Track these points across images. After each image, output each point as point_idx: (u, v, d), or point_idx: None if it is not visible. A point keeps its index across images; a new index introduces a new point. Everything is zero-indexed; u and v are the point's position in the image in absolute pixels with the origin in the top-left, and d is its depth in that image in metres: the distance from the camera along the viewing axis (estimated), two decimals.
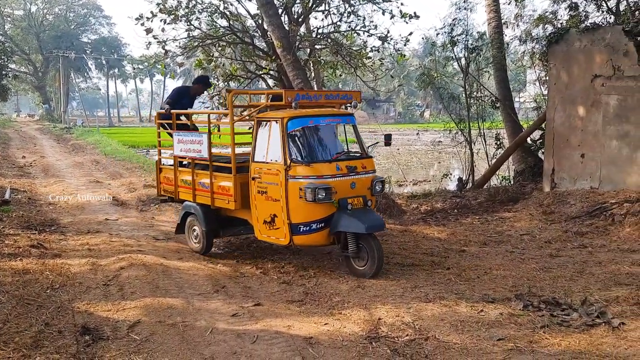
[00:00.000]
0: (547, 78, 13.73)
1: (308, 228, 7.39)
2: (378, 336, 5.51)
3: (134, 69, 64.18)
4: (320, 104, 8.35)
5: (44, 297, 6.32)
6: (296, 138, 7.60)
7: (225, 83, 13.75)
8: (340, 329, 5.71)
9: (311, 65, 14.55)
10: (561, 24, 15.02)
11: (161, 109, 9.89)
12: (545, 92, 14.58)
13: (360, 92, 8.65)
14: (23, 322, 5.57)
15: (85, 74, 78.48)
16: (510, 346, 5.18)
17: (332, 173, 7.44)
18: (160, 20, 13.52)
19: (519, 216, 12.01)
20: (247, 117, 8.68)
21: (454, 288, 7.07)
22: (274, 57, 12.96)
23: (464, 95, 15.28)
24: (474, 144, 15.53)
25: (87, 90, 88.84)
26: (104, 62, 78.40)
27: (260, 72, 14.04)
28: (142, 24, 13.16)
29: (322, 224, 7.43)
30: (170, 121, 9.39)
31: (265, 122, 7.83)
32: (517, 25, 17.67)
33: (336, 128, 8.29)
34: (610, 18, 14.21)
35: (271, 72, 13.72)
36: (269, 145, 7.67)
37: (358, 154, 8.08)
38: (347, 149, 8.19)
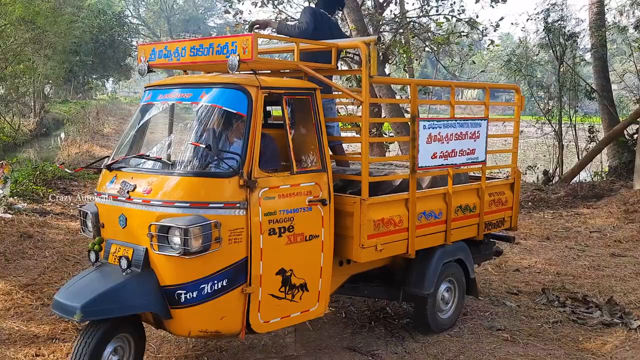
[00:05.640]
0: None
1: None
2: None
3: None
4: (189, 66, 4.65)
5: (84, 254, 6.88)
6: (141, 123, 4.54)
7: None
8: None
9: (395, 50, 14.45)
10: None
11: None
12: None
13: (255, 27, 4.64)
14: (56, 275, 6.13)
15: None
16: (505, 337, 5.06)
17: (103, 189, 4.24)
18: (252, 3, 14.00)
19: (596, 213, 11.37)
20: None
21: (485, 278, 6.89)
22: None
23: (555, 84, 14.57)
24: (563, 136, 14.80)
25: None
26: None
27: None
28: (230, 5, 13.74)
29: None
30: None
31: None
32: (633, 14, 16.58)
33: (201, 112, 4.20)
34: None
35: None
36: None
37: (165, 163, 4.12)
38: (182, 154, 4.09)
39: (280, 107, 4.21)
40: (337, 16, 5.65)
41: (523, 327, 5.32)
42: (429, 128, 4.95)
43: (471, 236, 5.49)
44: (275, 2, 13.54)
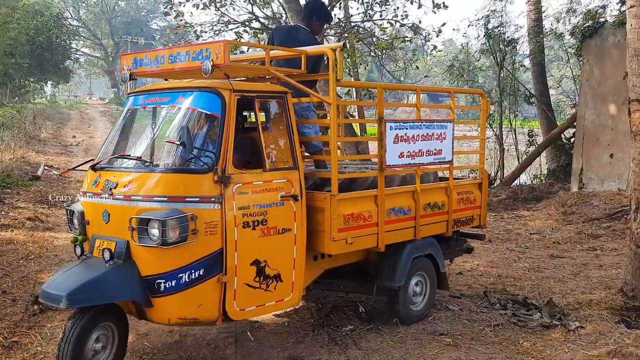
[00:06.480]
0: (580, 74, 13.20)
1: None
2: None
3: None
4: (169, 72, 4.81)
5: (14, 266, 6.58)
6: (125, 126, 4.88)
7: None
8: None
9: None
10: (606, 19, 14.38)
11: None
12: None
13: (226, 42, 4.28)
14: None
15: None
16: (447, 341, 5.04)
17: (88, 188, 4.54)
18: (193, 6, 13.73)
19: (536, 215, 11.62)
20: None
21: None
22: None
23: (496, 89, 14.87)
24: (504, 140, 15.10)
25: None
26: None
27: None
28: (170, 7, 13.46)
29: None
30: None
31: None
32: (569, 21, 17.04)
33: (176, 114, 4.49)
34: None
35: None
36: None
37: (144, 162, 4.42)
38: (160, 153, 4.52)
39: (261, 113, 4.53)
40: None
41: (465, 331, 5.31)
42: (395, 129, 5.28)
43: (440, 232, 5.83)
44: (217, 5, 13.35)
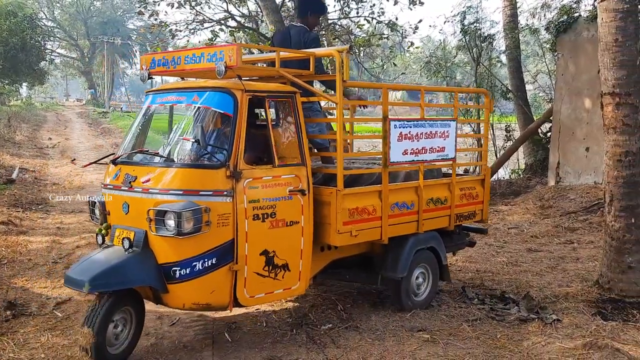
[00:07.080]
0: (555, 69, 13.30)
1: None
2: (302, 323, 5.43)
3: None
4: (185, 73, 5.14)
5: None
6: (143, 123, 5.23)
7: None
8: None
9: None
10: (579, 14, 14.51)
11: None
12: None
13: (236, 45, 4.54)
14: None
15: (131, 60, 79.45)
16: (426, 337, 5.03)
17: (109, 181, 4.84)
18: (167, 4, 13.60)
19: (514, 210, 11.71)
20: None
21: None
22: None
23: (473, 85, 14.93)
24: None
25: (132, 77, 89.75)
26: (148, 48, 79.23)
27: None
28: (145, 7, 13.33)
29: None
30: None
31: None
32: (544, 16, 17.15)
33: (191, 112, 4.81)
34: None
35: None
36: None
37: (161, 157, 4.72)
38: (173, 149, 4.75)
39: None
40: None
41: (443, 327, 5.32)
42: (399, 127, 5.53)
43: (443, 226, 6.08)
44: (192, 3, 13.24)
